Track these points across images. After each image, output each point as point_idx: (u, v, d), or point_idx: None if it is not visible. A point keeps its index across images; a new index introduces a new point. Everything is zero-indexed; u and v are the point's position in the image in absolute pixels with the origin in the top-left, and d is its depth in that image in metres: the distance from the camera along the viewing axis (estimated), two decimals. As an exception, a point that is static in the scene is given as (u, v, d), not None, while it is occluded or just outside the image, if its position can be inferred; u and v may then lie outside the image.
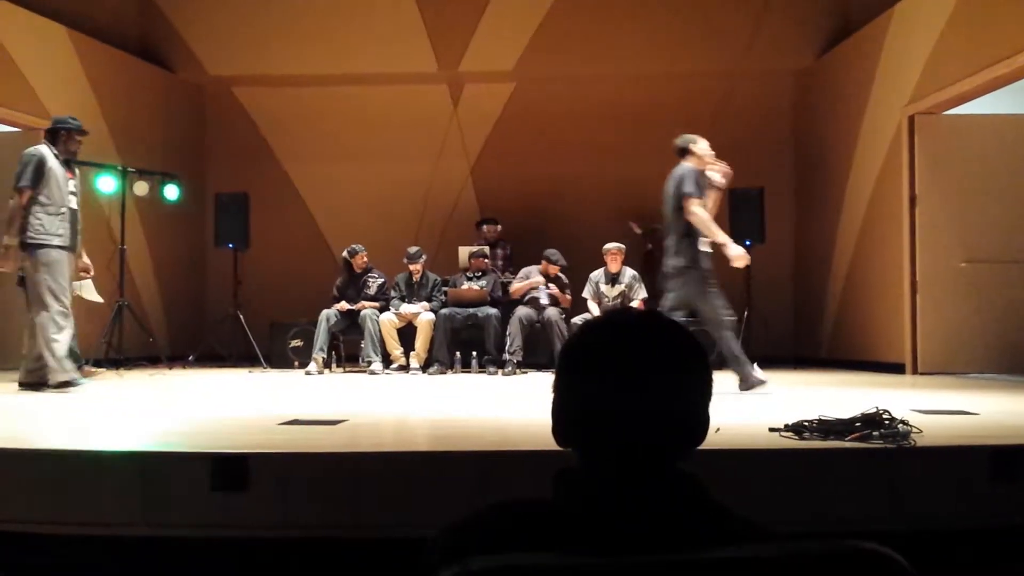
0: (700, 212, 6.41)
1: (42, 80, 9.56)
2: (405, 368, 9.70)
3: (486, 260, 10.33)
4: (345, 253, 10.23)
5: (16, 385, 6.83)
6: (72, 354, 6.92)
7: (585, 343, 1.39)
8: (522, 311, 9.68)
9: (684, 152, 6.72)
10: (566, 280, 10.11)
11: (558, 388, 1.39)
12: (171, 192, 10.68)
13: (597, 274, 9.92)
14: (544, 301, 9.81)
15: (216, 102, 12.66)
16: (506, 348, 9.53)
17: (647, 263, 11.11)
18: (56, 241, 6.75)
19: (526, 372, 9.51)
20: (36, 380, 6.75)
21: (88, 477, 3.43)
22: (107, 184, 9.77)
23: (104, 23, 10.91)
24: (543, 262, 10.07)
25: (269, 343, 10.45)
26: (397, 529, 3.33)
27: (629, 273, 9.87)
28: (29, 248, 6.68)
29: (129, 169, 10.03)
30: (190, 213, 11.81)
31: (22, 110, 9.29)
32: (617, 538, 1.22)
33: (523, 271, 10.23)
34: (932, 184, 8.98)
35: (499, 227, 11.39)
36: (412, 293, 10.10)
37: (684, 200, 6.43)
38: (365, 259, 10.19)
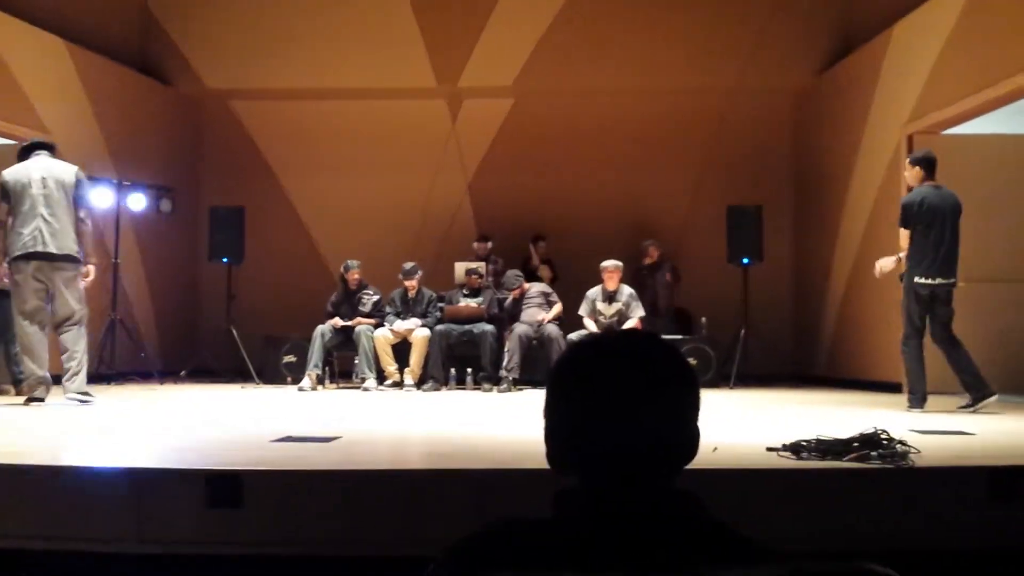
0: None
1: (39, 92, 9.54)
2: (399, 384, 9.66)
3: (478, 278, 10.31)
4: (341, 268, 10.20)
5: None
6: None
7: (573, 365, 1.39)
8: (521, 328, 9.65)
9: (935, 168, 7.08)
10: (549, 290, 10.20)
11: (549, 412, 1.39)
12: (165, 205, 10.70)
13: (594, 292, 9.89)
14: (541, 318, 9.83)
15: (213, 115, 12.67)
16: (504, 364, 9.51)
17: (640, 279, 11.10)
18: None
19: (522, 389, 9.48)
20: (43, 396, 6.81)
21: (82, 493, 3.41)
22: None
23: (102, 36, 10.92)
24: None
25: (262, 358, 10.39)
26: (392, 547, 3.32)
27: (627, 291, 9.83)
28: (79, 263, 6.92)
29: (124, 182, 10.02)
30: (184, 226, 11.80)
31: (19, 122, 9.26)
32: (620, 557, 1.22)
33: (508, 275, 10.27)
34: (930, 203, 8.98)
35: (489, 244, 11.40)
36: (408, 309, 10.07)
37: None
38: (357, 275, 10.12)
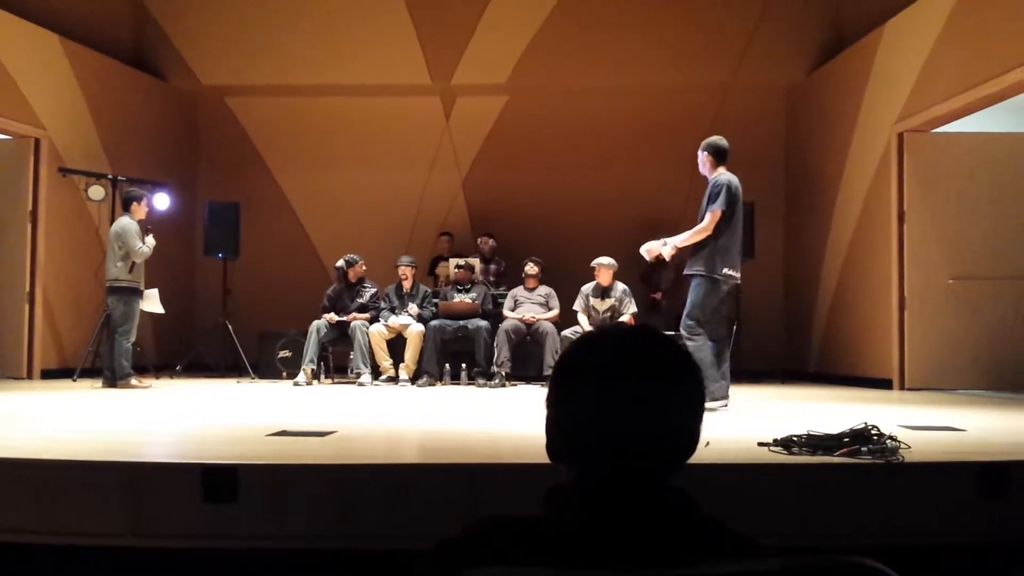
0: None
1: (34, 88, 9.55)
2: (394, 379, 9.68)
3: (469, 271, 10.34)
4: (342, 262, 10.18)
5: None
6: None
7: (579, 359, 1.39)
8: (509, 323, 9.69)
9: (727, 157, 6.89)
10: (554, 294, 10.20)
11: (552, 403, 1.39)
12: (162, 200, 10.69)
13: (588, 287, 9.92)
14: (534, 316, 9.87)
15: (208, 111, 12.67)
16: (494, 359, 9.54)
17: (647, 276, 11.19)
18: None
19: (515, 384, 9.51)
20: None
21: (77, 487, 3.42)
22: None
23: (97, 31, 10.90)
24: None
25: (257, 353, 10.42)
26: (388, 541, 3.33)
27: (620, 287, 9.86)
28: None
29: (120, 177, 10.01)
30: (180, 221, 11.79)
31: (14, 118, 9.28)
32: (612, 553, 1.22)
33: (511, 294, 10.27)
34: (921, 201, 9.03)
35: (491, 241, 11.47)
36: (403, 304, 10.10)
37: None
38: (363, 268, 10.22)
